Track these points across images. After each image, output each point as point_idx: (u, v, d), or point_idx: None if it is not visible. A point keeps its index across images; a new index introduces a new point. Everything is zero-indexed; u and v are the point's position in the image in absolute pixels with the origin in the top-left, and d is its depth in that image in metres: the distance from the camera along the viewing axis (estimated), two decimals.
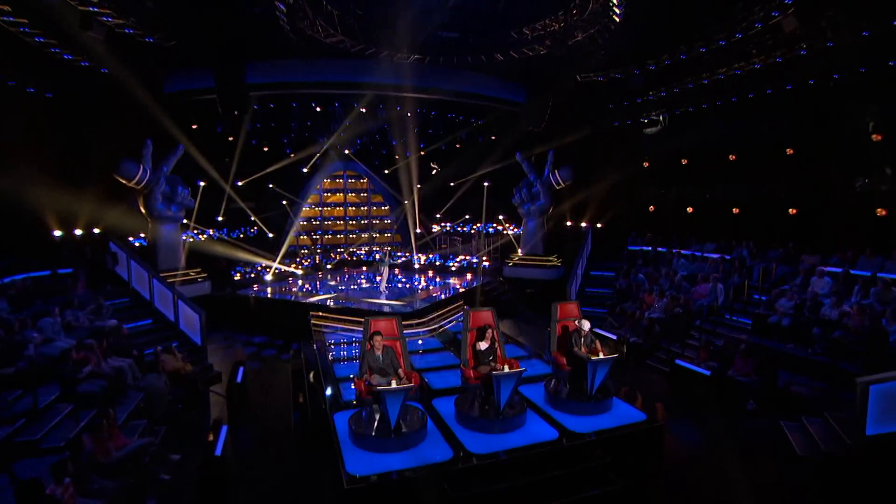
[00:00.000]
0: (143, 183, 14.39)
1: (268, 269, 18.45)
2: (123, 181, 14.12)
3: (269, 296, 16.32)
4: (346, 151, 23.05)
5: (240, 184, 20.49)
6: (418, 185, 23.84)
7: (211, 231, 19.97)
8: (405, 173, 23.33)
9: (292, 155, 21.43)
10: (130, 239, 16.79)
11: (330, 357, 11.08)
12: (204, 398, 9.74)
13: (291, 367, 11.22)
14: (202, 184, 18.82)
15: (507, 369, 7.11)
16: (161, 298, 12.06)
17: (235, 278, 17.45)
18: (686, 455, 8.05)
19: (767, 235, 14.10)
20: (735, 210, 15.68)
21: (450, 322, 14.31)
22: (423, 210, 23.61)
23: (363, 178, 25.22)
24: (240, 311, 15.48)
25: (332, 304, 14.61)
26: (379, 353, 7.15)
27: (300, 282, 18.69)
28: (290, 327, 13.91)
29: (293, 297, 16.04)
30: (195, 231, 19.13)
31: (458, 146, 23.33)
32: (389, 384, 6.75)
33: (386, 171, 24.28)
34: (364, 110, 17.27)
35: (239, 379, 9.09)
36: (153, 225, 15.28)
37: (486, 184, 23.00)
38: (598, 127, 17.68)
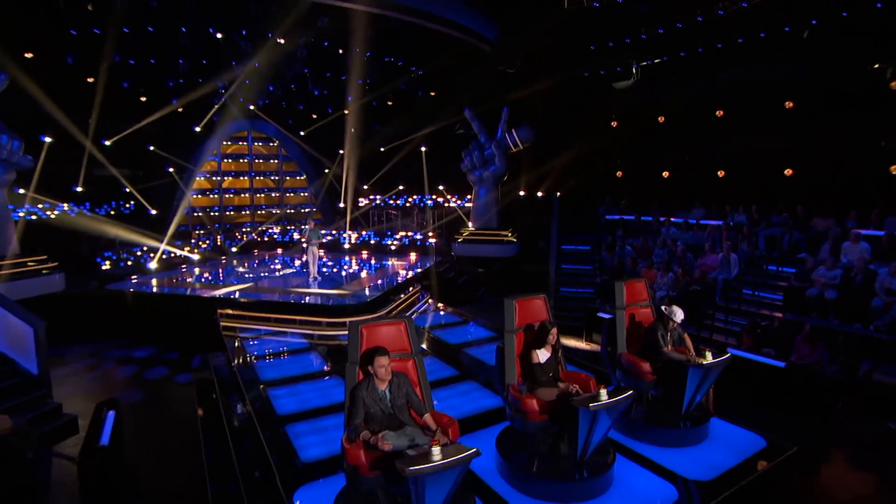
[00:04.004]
0: None
1: (151, 255, 13.77)
2: None
3: (154, 289, 11.89)
4: (251, 107, 18.46)
5: (107, 143, 15.34)
6: (341, 151, 20.05)
7: (65, 206, 14.70)
8: (328, 135, 19.41)
9: (180, 109, 16.50)
10: None
11: (259, 378, 7.40)
12: (41, 470, 5.72)
13: (196, 398, 7.45)
14: (48, 139, 13.60)
15: (604, 396, 4.13)
16: None
17: (104, 267, 12.66)
18: (809, 483, 5.67)
19: (763, 199, 12.53)
20: (721, 173, 14.03)
21: (411, 314, 11.10)
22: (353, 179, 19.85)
23: (274, 142, 20.69)
24: (112, 314, 11.04)
25: (247, 297, 10.70)
26: (383, 387, 3.84)
27: (197, 270, 14.28)
28: (189, 332, 9.95)
29: (188, 290, 11.79)
30: (38, 205, 13.86)
31: (389, 104, 19.74)
32: (415, 445, 3.53)
33: (302, 133, 20.03)
34: (282, 41, 13.10)
35: (106, 438, 5.22)
36: None
37: (422, 149, 19.83)
38: (573, 74, 15.17)
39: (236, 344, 8.88)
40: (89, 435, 5.73)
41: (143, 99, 15.91)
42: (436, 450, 3.20)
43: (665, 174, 15.37)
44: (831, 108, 11.91)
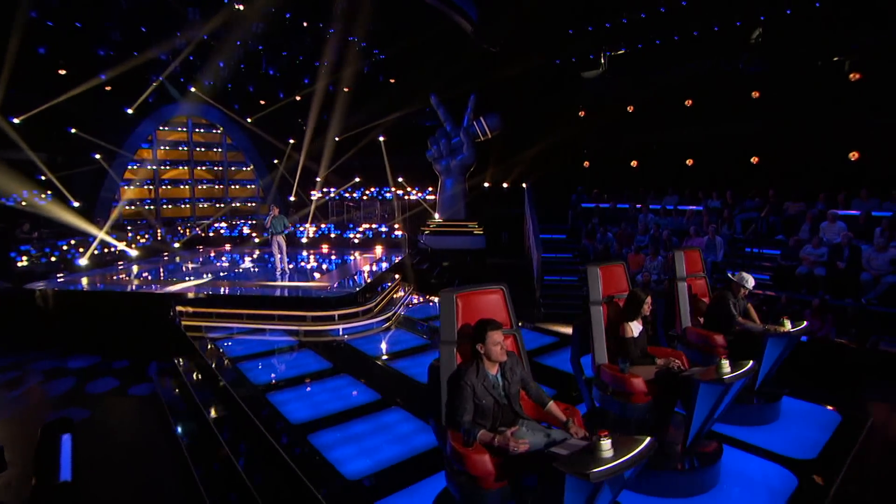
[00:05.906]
0: None
1: (81, 250, 11.76)
2: None
3: (86, 288, 10.06)
4: (193, 88, 16.56)
5: (16, 121, 13.04)
6: (291, 141, 18.66)
7: None
8: (279, 122, 17.89)
9: (108, 87, 14.40)
10: None
11: (251, 381, 6.20)
12: None
13: (168, 410, 6.15)
14: None
15: (727, 367, 3.56)
16: None
17: (20, 264, 10.59)
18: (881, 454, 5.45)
19: (731, 186, 12.85)
20: (689, 161, 14.28)
21: (399, 307, 10.17)
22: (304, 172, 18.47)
23: (218, 129, 18.77)
24: (35, 318, 9.20)
25: (215, 292, 9.28)
26: (495, 371, 3.01)
27: (136, 267, 12.42)
28: (142, 336, 8.44)
29: (128, 288, 10.10)
30: None
31: (346, 90, 18.56)
32: (553, 442, 2.75)
33: (249, 120, 18.34)
34: (241, 7, 11.56)
35: (67, 471, 3.93)
36: None
37: (381, 139, 18.85)
38: (546, 60, 14.86)
39: (208, 346, 7.55)
40: (40, 468, 4.37)
41: (63, 72, 13.70)
42: (606, 443, 2.43)
43: (633, 163, 15.46)
44: (795, 98, 12.40)
